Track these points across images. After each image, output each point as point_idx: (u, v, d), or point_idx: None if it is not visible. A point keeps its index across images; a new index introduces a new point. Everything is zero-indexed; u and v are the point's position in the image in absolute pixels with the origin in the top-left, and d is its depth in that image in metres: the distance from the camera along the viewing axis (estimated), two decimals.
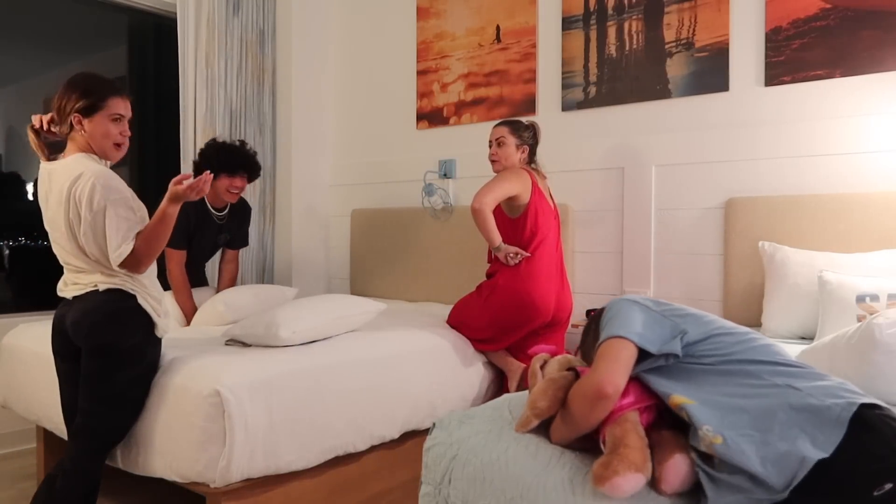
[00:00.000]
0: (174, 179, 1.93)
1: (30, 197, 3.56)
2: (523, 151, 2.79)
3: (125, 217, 1.89)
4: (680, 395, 1.23)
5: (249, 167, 3.03)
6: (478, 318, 2.74)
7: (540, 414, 1.37)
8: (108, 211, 1.85)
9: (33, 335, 2.57)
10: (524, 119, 2.86)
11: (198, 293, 3.03)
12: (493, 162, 2.80)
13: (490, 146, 2.81)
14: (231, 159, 2.97)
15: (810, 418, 1.08)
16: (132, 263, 1.90)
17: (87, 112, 1.92)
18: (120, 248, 1.86)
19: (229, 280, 3.25)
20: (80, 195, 1.86)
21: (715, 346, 1.27)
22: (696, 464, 1.18)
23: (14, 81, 3.52)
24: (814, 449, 1.04)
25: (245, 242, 3.33)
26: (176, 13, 3.64)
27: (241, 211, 3.23)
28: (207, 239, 3.08)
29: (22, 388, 2.54)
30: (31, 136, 2.02)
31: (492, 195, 2.58)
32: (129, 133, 2.02)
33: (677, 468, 1.16)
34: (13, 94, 3.52)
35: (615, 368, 1.24)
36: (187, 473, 1.88)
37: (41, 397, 2.40)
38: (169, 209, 1.91)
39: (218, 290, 3.18)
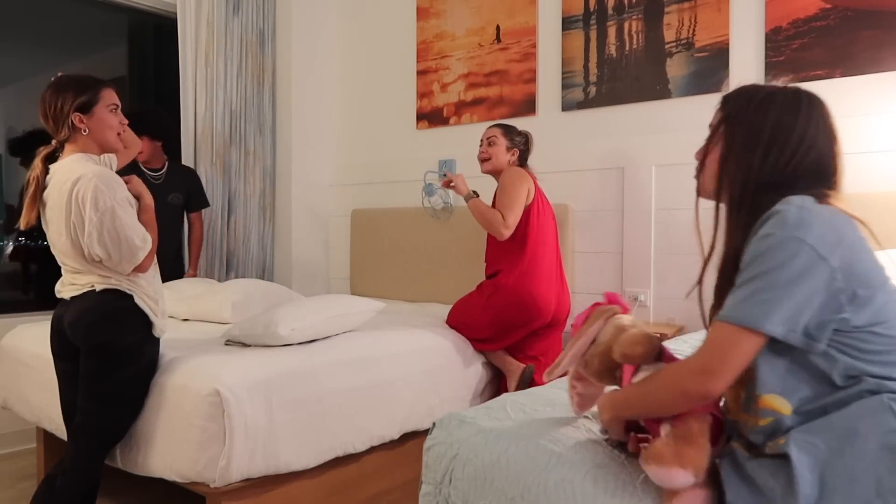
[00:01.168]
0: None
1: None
2: (513, 154, 2.80)
3: (132, 214, 1.93)
4: (778, 398, 1.06)
5: (139, 118, 3.13)
6: (479, 318, 2.74)
7: (631, 358, 1.25)
8: (117, 211, 1.85)
9: (33, 335, 2.57)
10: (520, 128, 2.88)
11: (183, 284, 3.06)
12: (482, 161, 2.81)
13: (481, 144, 2.82)
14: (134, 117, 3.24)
15: (891, 459, 0.92)
16: (145, 260, 1.94)
17: (86, 108, 1.93)
18: (146, 241, 1.92)
19: (195, 243, 3.51)
20: (82, 197, 1.84)
21: (857, 340, 1.03)
22: (734, 453, 1.08)
23: (14, 81, 3.52)
24: (875, 499, 0.90)
25: (204, 203, 3.54)
26: (176, 13, 3.64)
27: (184, 173, 3.48)
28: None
29: (22, 388, 2.54)
30: (39, 170, 1.95)
31: (514, 214, 2.61)
32: (126, 121, 2.06)
33: (692, 501, 1.07)
34: (13, 94, 3.52)
35: (727, 370, 1.04)
36: (187, 473, 1.88)
37: (41, 398, 2.40)
38: (145, 199, 2.02)
39: (190, 255, 3.50)
